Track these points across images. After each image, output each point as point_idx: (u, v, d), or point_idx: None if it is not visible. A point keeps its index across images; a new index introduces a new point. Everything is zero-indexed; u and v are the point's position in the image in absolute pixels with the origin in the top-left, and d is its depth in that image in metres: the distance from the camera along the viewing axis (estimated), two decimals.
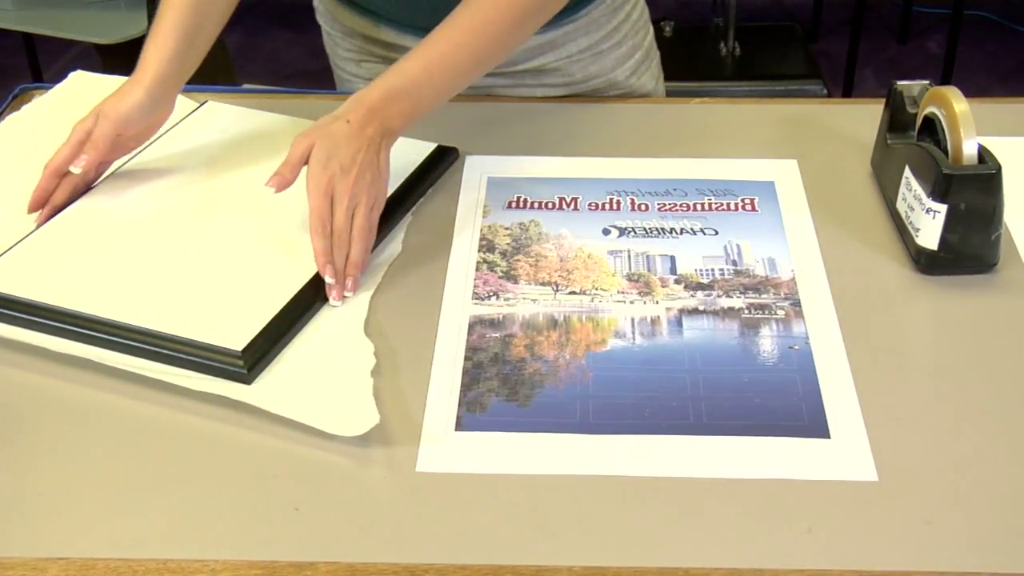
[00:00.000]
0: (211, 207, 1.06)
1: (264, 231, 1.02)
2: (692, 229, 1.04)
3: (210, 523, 0.78)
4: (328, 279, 0.94)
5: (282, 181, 0.96)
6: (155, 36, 1.07)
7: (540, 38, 1.22)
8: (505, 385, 0.88)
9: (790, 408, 0.85)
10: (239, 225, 1.03)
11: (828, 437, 0.82)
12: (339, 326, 0.93)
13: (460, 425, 0.84)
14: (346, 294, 0.95)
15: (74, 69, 1.26)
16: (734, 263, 1.00)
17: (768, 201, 1.07)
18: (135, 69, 1.06)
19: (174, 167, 1.12)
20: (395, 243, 1.02)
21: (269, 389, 0.87)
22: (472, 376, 0.89)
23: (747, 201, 1.07)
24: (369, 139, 0.98)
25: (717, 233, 1.04)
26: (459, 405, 0.86)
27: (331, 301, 0.95)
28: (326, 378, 0.88)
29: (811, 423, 0.84)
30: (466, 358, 0.90)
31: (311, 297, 0.94)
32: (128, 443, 0.84)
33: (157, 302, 0.93)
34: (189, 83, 1.10)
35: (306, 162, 0.97)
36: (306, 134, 0.98)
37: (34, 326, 0.92)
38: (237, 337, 0.89)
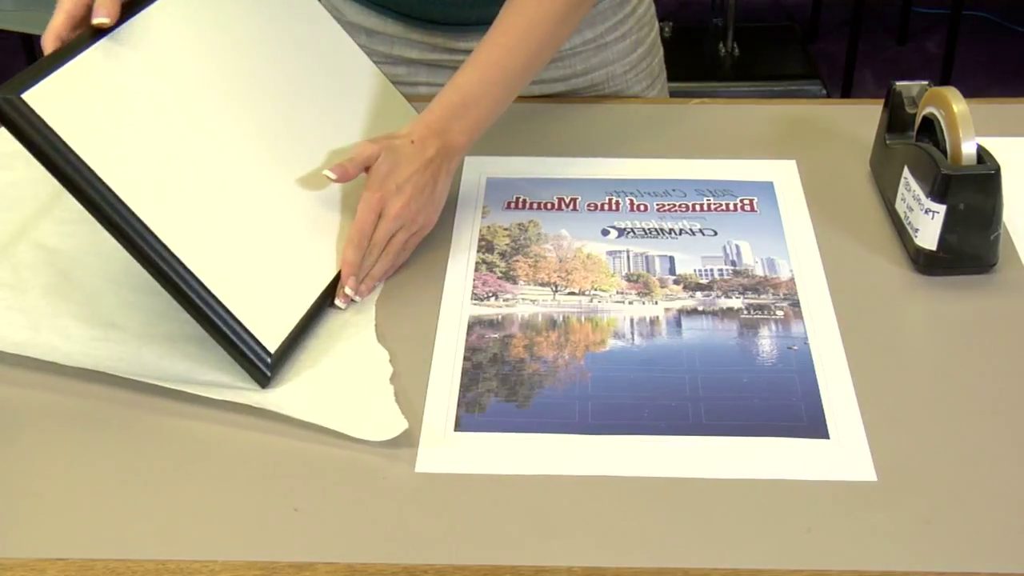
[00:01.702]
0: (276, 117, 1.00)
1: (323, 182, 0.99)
2: (691, 230, 1.04)
3: (209, 524, 0.78)
4: (348, 290, 0.95)
5: (344, 174, 0.96)
6: None
7: None
8: (504, 385, 0.88)
9: (789, 408, 0.85)
10: (301, 161, 1.00)
11: (827, 437, 0.82)
12: (351, 333, 0.93)
13: (459, 425, 0.84)
14: (356, 298, 0.96)
15: None
16: (733, 263, 1.00)
17: (767, 201, 1.07)
18: None
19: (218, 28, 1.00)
20: None
21: (291, 395, 0.86)
22: (471, 376, 0.89)
23: (746, 202, 1.07)
24: (429, 160, 0.98)
25: (716, 233, 1.04)
26: (458, 405, 0.86)
27: (336, 302, 0.95)
28: (347, 385, 0.87)
29: (810, 423, 0.84)
30: (465, 358, 0.90)
31: (326, 299, 0.94)
32: (127, 444, 0.84)
33: (207, 233, 0.88)
34: None
35: (366, 169, 0.97)
36: (374, 141, 0.98)
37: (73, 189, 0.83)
38: (272, 331, 0.87)
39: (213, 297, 0.86)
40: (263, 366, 0.87)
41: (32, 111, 0.81)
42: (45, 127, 0.81)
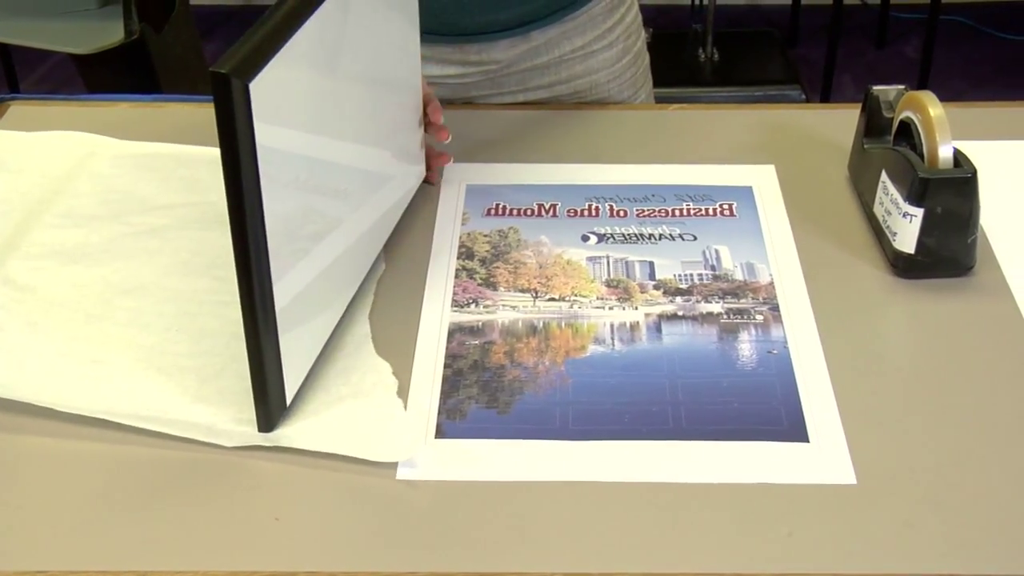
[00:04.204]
0: None
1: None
2: (671, 235, 1.04)
3: (191, 534, 0.77)
4: None
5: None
6: None
7: (542, 35, 1.23)
8: (485, 392, 0.88)
9: (769, 412, 0.85)
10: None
11: (807, 441, 0.83)
12: (350, 351, 0.91)
13: (440, 432, 0.84)
14: None
15: (51, 79, 1.24)
16: (713, 268, 1.00)
17: (747, 206, 1.08)
18: None
19: None
20: (379, 260, 1.01)
21: (302, 428, 0.84)
22: (452, 384, 0.88)
23: (725, 206, 1.08)
24: None
25: (696, 238, 1.04)
26: (439, 413, 0.86)
27: None
28: (355, 407, 0.85)
29: (790, 427, 0.84)
30: (446, 366, 0.90)
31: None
32: (108, 455, 0.83)
33: (300, 269, 0.83)
34: (167, 93, 1.10)
35: None
36: None
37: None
38: (292, 381, 0.84)
39: (275, 337, 0.80)
40: (276, 417, 0.83)
41: (248, 102, 0.72)
42: (249, 122, 0.73)
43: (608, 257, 1.02)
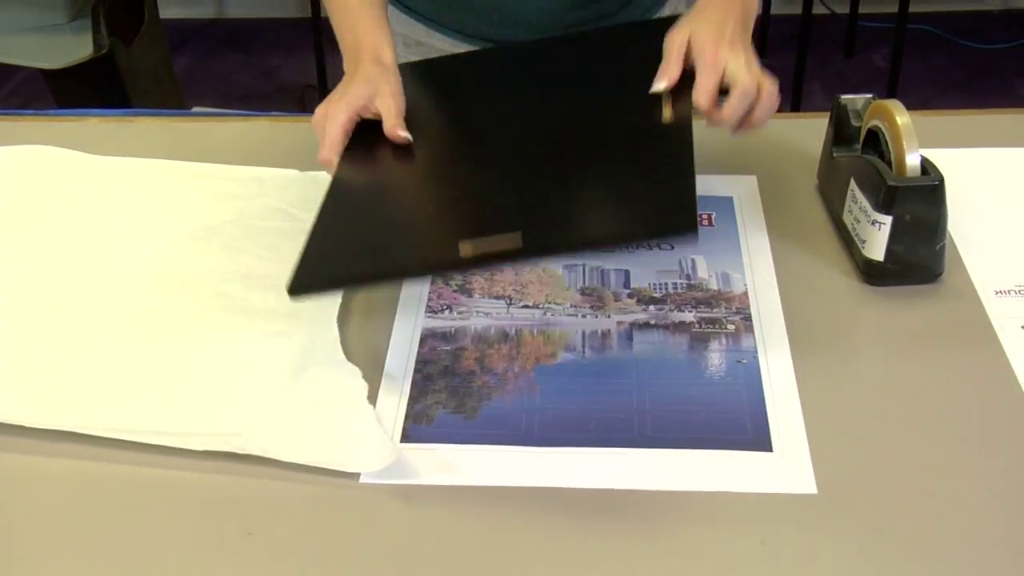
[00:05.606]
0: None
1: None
2: (648, 244, 1.05)
3: (165, 552, 0.77)
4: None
5: (671, 78, 0.97)
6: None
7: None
8: (453, 397, 0.88)
9: (734, 421, 0.85)
10: None
11: (770, 450, 0.83)
12: (318, 358, 0.90)
13: (406, 437, 0.84)
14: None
15: (20, 94, 1.24)
16: (688, 278, 1.01)
17: (725, 216, 1.08)
18: (355, 52, 1.01)
19: None
20: None
21: (274, 435, 0.83)
22: (421, 388, 0.89)
23: (704, 216, 1.08)
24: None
25: (673, 248, 1.04)
26: (406, 417, 0.86)
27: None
28: (327, 415, 0.85)
29: (754, 436, 0.84)
30: (416, 370, 0.90)
31: None
32: (80, 473, 0.83)
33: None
34: (137, 108, 1.10)
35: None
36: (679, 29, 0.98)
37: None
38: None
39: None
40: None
41: None
42: None
43: (584, 265, 1.02)
